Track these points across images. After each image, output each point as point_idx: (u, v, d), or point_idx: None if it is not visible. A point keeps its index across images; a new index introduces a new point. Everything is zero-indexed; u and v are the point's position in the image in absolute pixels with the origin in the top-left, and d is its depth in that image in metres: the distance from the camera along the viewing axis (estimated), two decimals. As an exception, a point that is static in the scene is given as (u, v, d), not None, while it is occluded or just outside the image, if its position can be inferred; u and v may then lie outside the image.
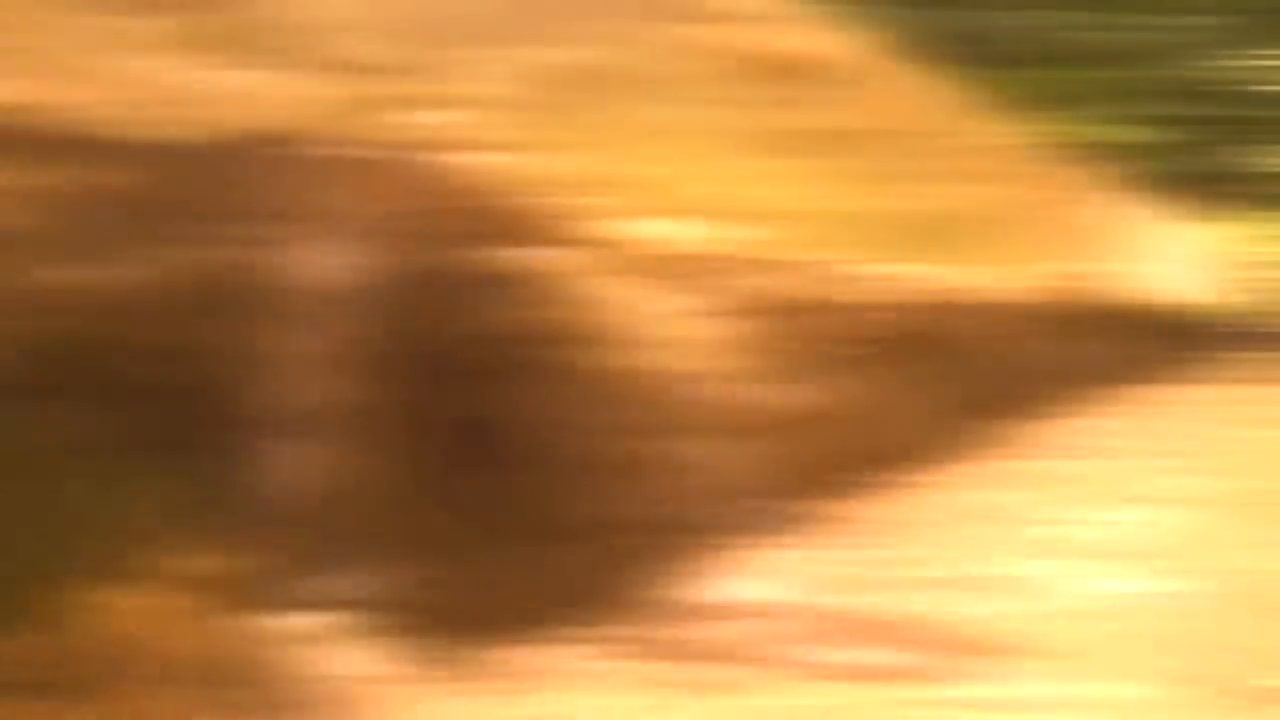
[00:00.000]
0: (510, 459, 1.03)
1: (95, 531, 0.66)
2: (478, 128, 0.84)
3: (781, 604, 1.12)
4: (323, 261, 0.74)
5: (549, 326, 0.94)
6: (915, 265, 1.69)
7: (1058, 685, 0.89)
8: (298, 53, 0.68)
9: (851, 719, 0.85)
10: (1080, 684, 0.89)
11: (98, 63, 0.57)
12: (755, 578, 1.20)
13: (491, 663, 0.90)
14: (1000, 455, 2.29)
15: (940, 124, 1.88)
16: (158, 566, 0.68)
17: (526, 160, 0.89)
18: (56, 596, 0.62)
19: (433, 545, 0.98)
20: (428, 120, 0.78)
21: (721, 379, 1.16)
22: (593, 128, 0.98)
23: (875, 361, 1.85)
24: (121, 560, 0.66)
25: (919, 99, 1.79)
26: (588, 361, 0.97)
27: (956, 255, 1.90)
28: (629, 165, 1.03)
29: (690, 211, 1.13)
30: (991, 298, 2.06)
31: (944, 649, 0.98)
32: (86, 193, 0.59)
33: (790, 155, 1.35)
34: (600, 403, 1.02)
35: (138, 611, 0.66)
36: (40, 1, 0.55)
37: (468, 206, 0.83)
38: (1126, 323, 3.53)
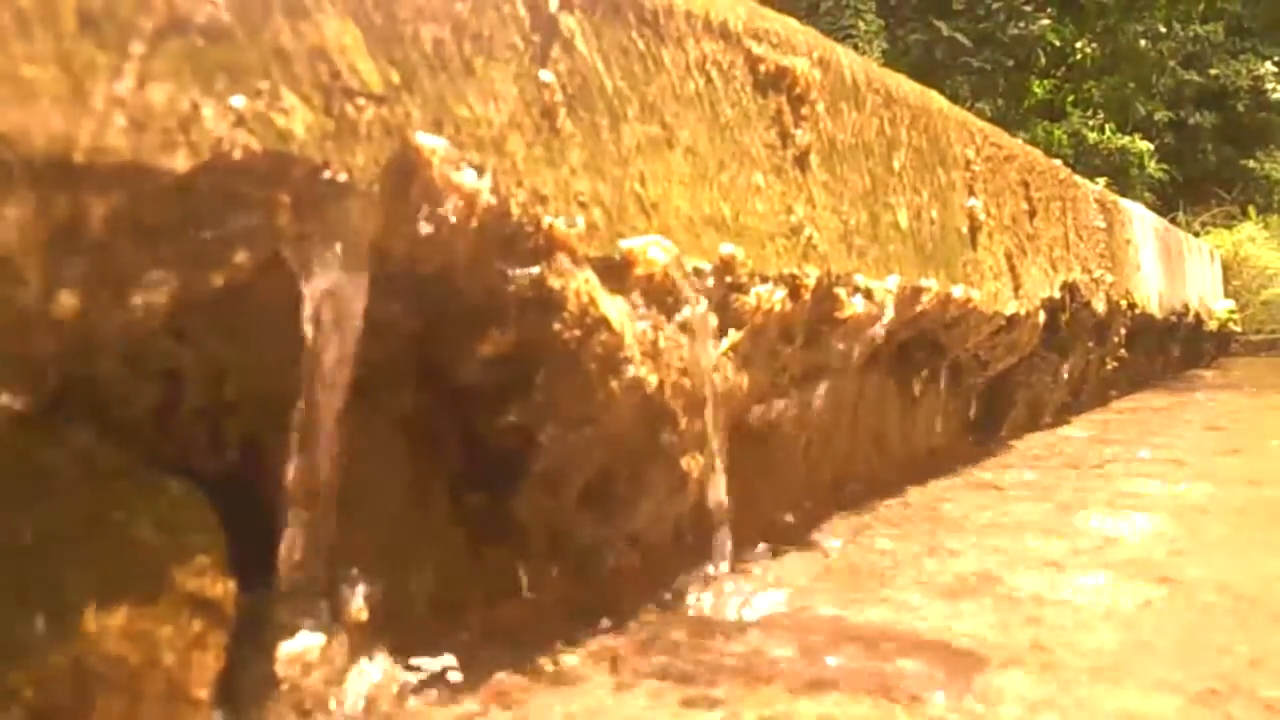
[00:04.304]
0: (509, 472, 1.03)
1: (99, 554, 0.66)
2: (474, 147, 0.84)
3: (779, 615, 1.13)
4: (323, 281, 0.74)
5: (548, 343, 0.95)
6: (914, 277, 1.70)
7: (1059, 696, 0.89)
8: (296, 75, 0.69)
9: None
10: (1083, 695, 0.90)
11: (96, 89, 0.58)
12: (753, 589, 1.20)
13: (493, 675, 0.91)
14: (998, 464, 2.29)
15: (940, 135, 1.89)
16: (163, 588, 0.68)
17: (523, 178, 0.90)
18: (60, 620, 0.63)
19: (437, 560, 0.99)
20: (425, 141, 0.78)
21: (720, 393, 1.16)
22: (589, 145, 0.99)
23: (873, 373, 1.85)
24: (127, 583, 0.66)
25: (917, 111, 1.79)
26: (587, 378, 0.98)
27: (955, 266, 1.90)
28: (626, 182, 1.04)
29: (688, 227, 1.13)
30: (989, 307, 2.06)
31: (942, 659, 0.98)
32: (87, 219, 0.59)
33: (788, 170, 1.35)
34: (599, 417, 1.02)
35: (143, 634, 0.66)
36: (35, 28, 0.55)
37: (466, 225, 0.83)
38: (1125, 329, 3.53)
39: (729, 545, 1.23)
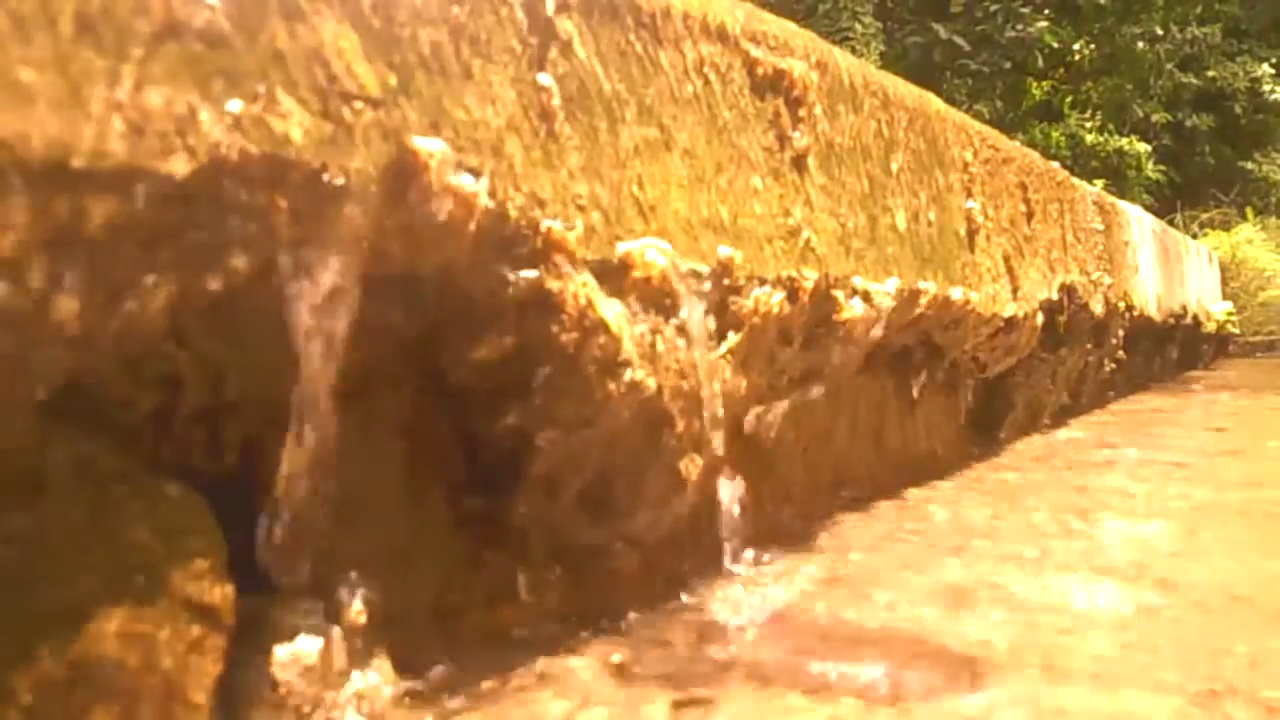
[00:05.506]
0: (508, 476, 1.03)
1: (98, 558, 0.66)
2: (472, 151, 0.84)
3: (779, 618, 1.12)
4: (321, 285, 0.74)
5: (546, 346, 0.95)
6: (912, 279, 1.70)
7: (1058, 698, 0.89)
8: (293, 79, 0.69)
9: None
10: (1082, 697, 0.89)
11: (93, 93, 0.58)
12: (752, 592, 1.20)
13: (492, 679, 0.91)
14: (997, 466, 2.29)
15: (938, 137, 1.89)
16: (162, 592, 0.68)
17: (521, 182, 0.90)
18: (58, 623, 0.63)
19: (435, 563, 0.99)
20: (422, 144, 0.78)
21: (718, 395, 1.16)
22: (587, 147, 0.99)
23: (872, 375, 1.85)
24: (125, 586, 0.66)
25: (915, 113, 1.79)
26: (585, 380, 0.98)
27: (953, 268, 1.90)
28: (624, 184, 1.04)
29: (686, 230, 1.13)
30: (987, 309, 2.06)
31: (942, 662, 0.98)
32: (85, 223, 0.59)
33: (785, 172, 1.35)
34: (597, 420, 1.02)
35: (141, 638, 0.66)
36: (33, 32, 0.55)
37: (464, 229, 0.83)
38: (1123, 331, 3.53)
39: (729, 547, 1.23)
